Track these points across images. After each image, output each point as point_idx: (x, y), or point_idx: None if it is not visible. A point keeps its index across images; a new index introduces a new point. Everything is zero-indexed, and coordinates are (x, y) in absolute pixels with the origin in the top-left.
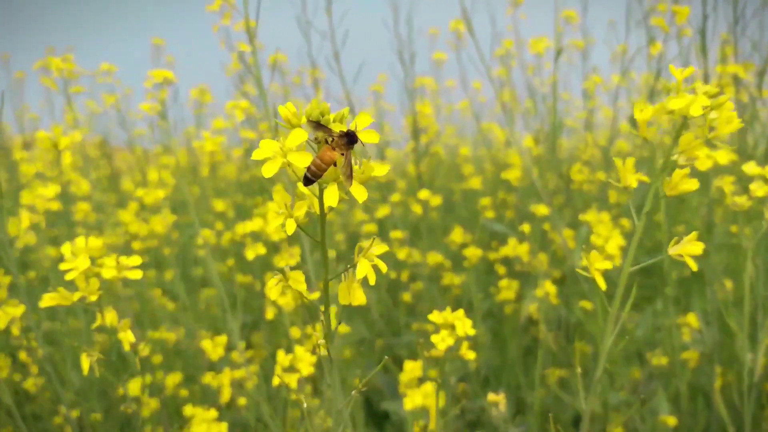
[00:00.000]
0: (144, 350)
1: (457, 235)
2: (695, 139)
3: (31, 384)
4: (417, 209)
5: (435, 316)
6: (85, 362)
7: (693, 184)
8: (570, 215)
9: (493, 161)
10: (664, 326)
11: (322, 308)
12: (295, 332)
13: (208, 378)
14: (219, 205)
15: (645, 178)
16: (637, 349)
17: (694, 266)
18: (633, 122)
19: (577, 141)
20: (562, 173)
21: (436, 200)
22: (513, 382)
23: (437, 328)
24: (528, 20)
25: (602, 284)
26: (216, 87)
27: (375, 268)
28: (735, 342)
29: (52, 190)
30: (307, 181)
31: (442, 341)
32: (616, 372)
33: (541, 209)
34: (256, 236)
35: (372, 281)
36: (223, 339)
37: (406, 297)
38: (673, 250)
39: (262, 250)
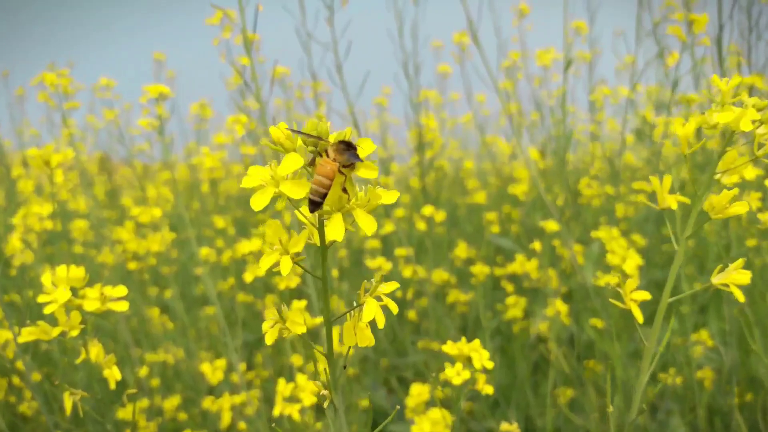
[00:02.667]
0: (142, 372)
1: (462, 250)
2: (740, 156)
3: (25, 407)
4: (421, 225)
5: (449, 348)
6: (68, 402)
7: (742, 207)
8: (578, 230)
9: (498, 175)
10: (677, 344)
11: (322, 351)
12: (296, 359)
13: (207, 403)
14: (219, 221)
15: (685, 200)
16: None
17: (741, 297)
18: (639, 135)
19: (583, 154)
20: (570, 187)
21: (441, 215)
22: (522, 401)
23: (451, 360)
24: (533, 31)
25: (639, 317)
26: (218, 101)
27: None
28: (753, 361)
29: (46, 208)
30: (314, 206)
31: (457, 375)
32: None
33: (551, 225)
34: (256, 256)
35: (381, 324)
36: (222, 362)
37: (411, 315)
38: (717, 279)
39: (261, 271)
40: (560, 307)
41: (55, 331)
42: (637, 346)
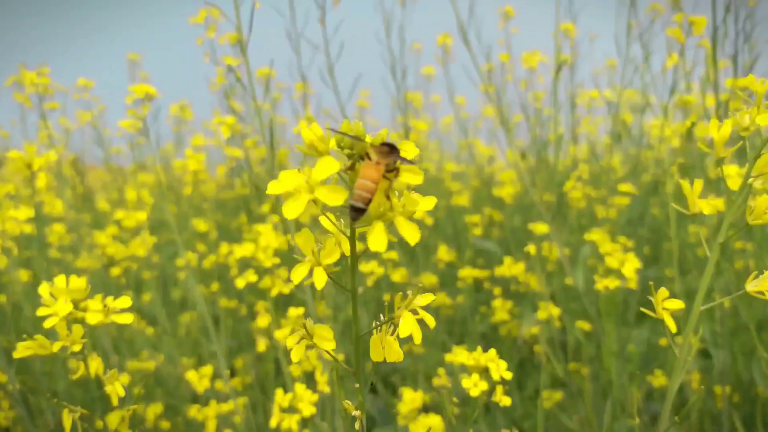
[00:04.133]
0: (122, 380)
1: (444, 253)
2: None
3: (2, 417)
4: None
5: (464, 357)
6: (67, 421)
7: None
8: (565, 233)
9: (479, 177)
10: (660, 345)
11: (346, 366)
12: (295, 370)
13: (193, 411)
14: (200, 225)
15: (720, 205)
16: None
17: None
18: (617, 137)
19: (564, 157)
20: (557, 189)
21: (429, 219)
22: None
23: (467, 370)
24: (515, 34)
25: (672, 326)
26: (194, 103)
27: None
28: (740, 363)
29: (24, 212)
30: (357, 213)
31: (474, 387)
32: (624, 397)
33: (540, 227)
34: (244, 261)
35: (417, 340)
36: (208, 369)
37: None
38: (751, 287)
39: (253, 277)
40: (553, 310)
41: (57, 346)
42: (624, 348)
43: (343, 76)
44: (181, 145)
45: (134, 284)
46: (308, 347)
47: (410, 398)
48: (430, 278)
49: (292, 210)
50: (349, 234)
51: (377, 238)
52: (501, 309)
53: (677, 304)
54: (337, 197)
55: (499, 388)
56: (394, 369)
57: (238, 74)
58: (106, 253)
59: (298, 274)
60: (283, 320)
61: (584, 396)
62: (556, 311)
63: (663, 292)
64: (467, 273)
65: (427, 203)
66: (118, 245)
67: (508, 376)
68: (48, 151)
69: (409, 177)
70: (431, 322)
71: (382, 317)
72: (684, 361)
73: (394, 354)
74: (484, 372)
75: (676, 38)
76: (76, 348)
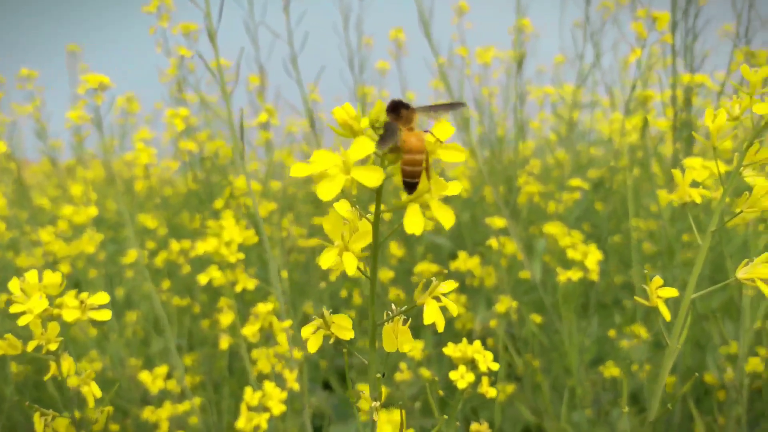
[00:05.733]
0: (70, 382)
1: (394, 249)
2: (764, 149)
3: None
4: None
5: (451, 350)
6: (39, 424)
7: None
8: (519, 227)
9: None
10: (611, 337)
11: (366, 358)
12: (264, 365)
13: (147, 413)
14: (147, 221)
15: (708, 193)
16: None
17: (767, 291)
18: (559, 134)
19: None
20: (508, 184)
21: (388, 214)
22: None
23: (457, 364)
24: (468, 29)
25: (667, 314)
26: (141, 96)
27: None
28: (688, 352)
29: None
30: (411, 189)
31: (461, 378)
32: (578, 388)
33: (497, 221)
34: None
35: (441, 327)
36: (163, 370)
37: (352, 315)
38: (742, 274)
39: (216, 273)
40: (511, 303)
41: (32, 345)
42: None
43: (302, 68)
44: (125, 139)
45: (73, 282)
46: (325, 337)
47: None
48: (386, 273)
49: (327, 191)
50: (372, 219)
51: (414, 220)
52: (456, 303)
53: (671, 292)
54: (375, 177)
55: (485, 380)
56: (350, 365)
57: (219, 65)
58: (49, 250)
59: (327, 259)
60: (252, 317)
61: (541, 387)
62: (514, 304)
63: (657, 280)
64: (424, 268)
65: (455, 187)
66: (61, 243)
67: (495, 366)
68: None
69: (452, 155)
70: (454, 310)
71: (394, 307)
72: (674, 351)
73: (407, 343)
74: (472, 364)
75: (639, 33)
76: (53, 347)
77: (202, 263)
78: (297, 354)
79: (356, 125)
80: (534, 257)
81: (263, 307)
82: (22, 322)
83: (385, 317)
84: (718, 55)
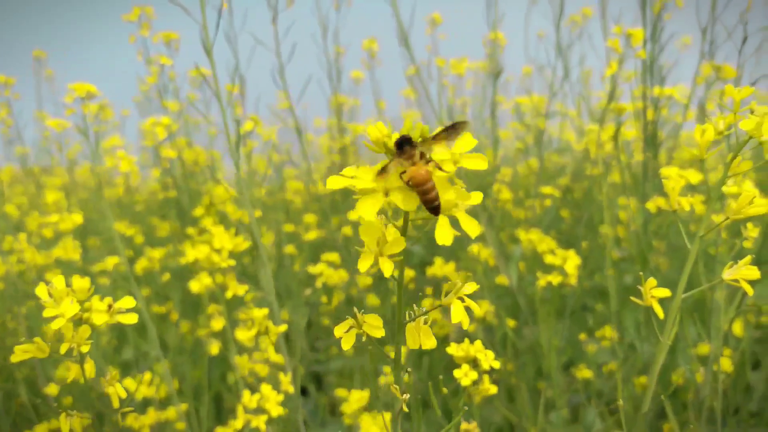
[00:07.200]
0: (50, 390)
1: None
2: (744, 162)
3: None
4: (348, 231)
5: (454, 349)
6: (65, 425)
7: (762, 208)
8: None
9: None
10: (583, 340)
11: (392, 353)
12: (261, 369)
13: (130, 420)
14: (122, 227)
15: (698, 203)
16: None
17: (750, 291)
18: (525, 142)
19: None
20: (483, 191)
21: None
22: (442, 399)
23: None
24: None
25: (660, 312)
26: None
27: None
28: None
29: None
30: (434, 210)
31: (465, 376)
32: (555, 390)
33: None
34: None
35: (465, 325)
36: (148, 376)
37: (326, 321)
38: (727, 275)
39: (207, 280)
40: (488, 306)
41: (64, 347)
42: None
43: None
44: (97, 146)
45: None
46: (358, 336)
47: (357, 398)
48: (365, 280)
49: (368, 209)
50: (400, 226)
51: (444, 232)
52: (431, 308)
53: (664, 293)
54: (411, 203)
55: (486, 377)
56: (327, 370)
57: (215, 75)
58: (24, 259)
59: (365, 264)
60: (248, 321)
61: (520, 389)
62: (491, 308)
63: (651, 281)
64: (405, 273)
65: (477, 197)
66: (34, 251)
67: (497, 364)
68: None
69: (473, 162)
70: (477, 310)
71: (416, 308)
72: (661, 356)
73: (429, 341)
74: (474, 363)
75: (614, 49)
76: (85, 349)
77: (182, 271)
78: (278, 358)
79: (390, 143)
80: (510, 263)
81: (259, 312)
82: (55, 325)
83: (407, 318)
84: (682, 68)
